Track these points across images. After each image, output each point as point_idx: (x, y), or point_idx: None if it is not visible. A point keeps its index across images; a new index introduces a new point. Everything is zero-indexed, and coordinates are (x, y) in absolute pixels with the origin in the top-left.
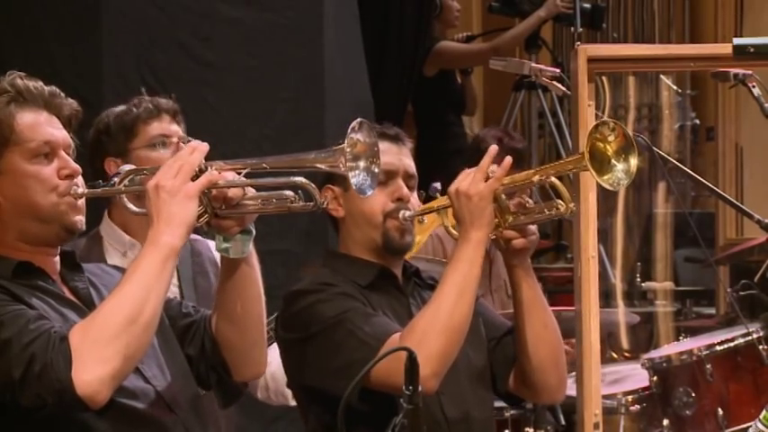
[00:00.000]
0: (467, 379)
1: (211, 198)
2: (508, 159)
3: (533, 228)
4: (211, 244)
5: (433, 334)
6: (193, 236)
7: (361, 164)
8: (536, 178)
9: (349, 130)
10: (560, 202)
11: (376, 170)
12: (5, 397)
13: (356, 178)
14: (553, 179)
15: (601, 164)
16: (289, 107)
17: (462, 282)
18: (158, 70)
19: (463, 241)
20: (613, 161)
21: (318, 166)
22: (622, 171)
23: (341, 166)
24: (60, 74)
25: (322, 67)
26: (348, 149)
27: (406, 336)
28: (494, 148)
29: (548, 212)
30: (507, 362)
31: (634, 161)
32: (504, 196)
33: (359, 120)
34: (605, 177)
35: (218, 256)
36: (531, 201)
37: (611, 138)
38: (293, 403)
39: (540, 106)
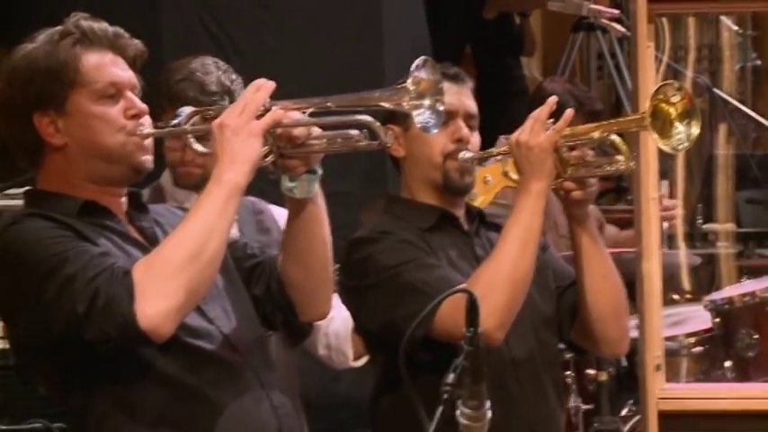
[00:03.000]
0: (531, 324)
1: (276, 137)
2: (569, 111)
3: (593, 180)
4: (273, 207)
5: (497, 286)
6: (254, 199)
7: (426, 102)
8: (596, 134)
9: (413, 68)
10: (620, 158)
11: (441, 108)
12: (71, 332)
13: (420, 116)
14: (613, 136)
15: (663, 125)
16: (347, 48)
17: (525, 233)
18: (217, 12)
19: (524, 192)
20: (676, 123)
21: (383, 104)
22: (684, 134)
23: (405, 104)
24: (119, 17)
25: (380, 7)
26: (412, 87)
27: (470, 287)
28: (553, 99)
29: (607, 167)
30: (570, 311)
31: (696, 126)
32: (564, 148)
33: (423, 57)
34: (666, 140)
35: (278, 216)
36: (591, 153)
37: (675, 99)
38: (354, 364)
39: (599, 48)
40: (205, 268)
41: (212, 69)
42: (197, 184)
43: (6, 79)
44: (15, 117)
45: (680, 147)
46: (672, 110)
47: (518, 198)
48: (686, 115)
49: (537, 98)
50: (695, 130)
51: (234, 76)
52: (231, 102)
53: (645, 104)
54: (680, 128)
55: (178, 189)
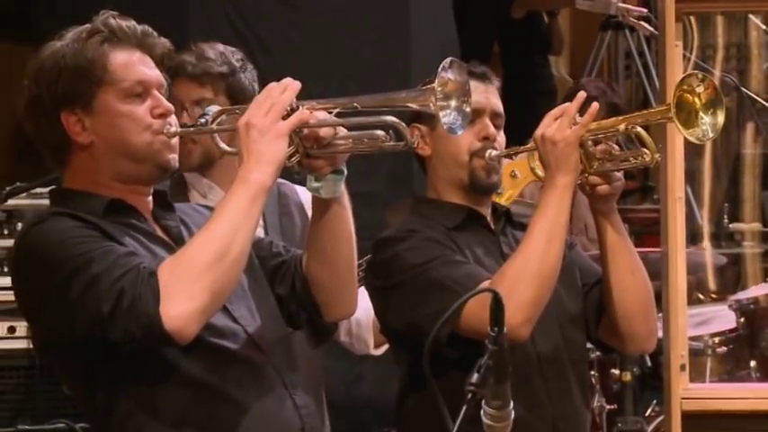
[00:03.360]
0: (558, 321)
1: (303, 138)
2: (595, 105)
3: (618, 174)
4: (298, 188)
5: (524, 281)
6: (279, 179)
7: (453, 103)
8: (622, 126)
9: (440, 69)
10: (646, 150)
11: (467, 109)
12: (95, 332)
13: (447, 117)
14: (639, 128)
15: (688, 116)
16: (374, 47)
17: (551, 228)
18: (244, 10)
19: (550, 187)
20: (701, 114)
21: (409, 105)
22: (709, 125)
23: (431, 105)
24: (147, 15)
25: (408, 7)
26: (439, 88)
27: (497, 283)
28: (582, 95)
29: (633, 160)
30: (597, 309)
31: (722, 116)
32: (590, 142)
33: (450, 58)
34: (691, 130)
35: (303, 198)
36: (616, 147)
37: (699, 89)
38: (375, 352)
39: (627, 46)
40: (230, 269)
41: (218, 47)
42: (200, 164)
43: (34, 77)
44: (42, 115)
45: (706, 137)
46: (696, 100)
47: (544, 193)
48: (711, 105)
49: (570, 94)
50: (720, 119)
51: (239, 56)
52: (230, 72)
53: (670, 96)
54: (705, 118)
55: (199, 179)
